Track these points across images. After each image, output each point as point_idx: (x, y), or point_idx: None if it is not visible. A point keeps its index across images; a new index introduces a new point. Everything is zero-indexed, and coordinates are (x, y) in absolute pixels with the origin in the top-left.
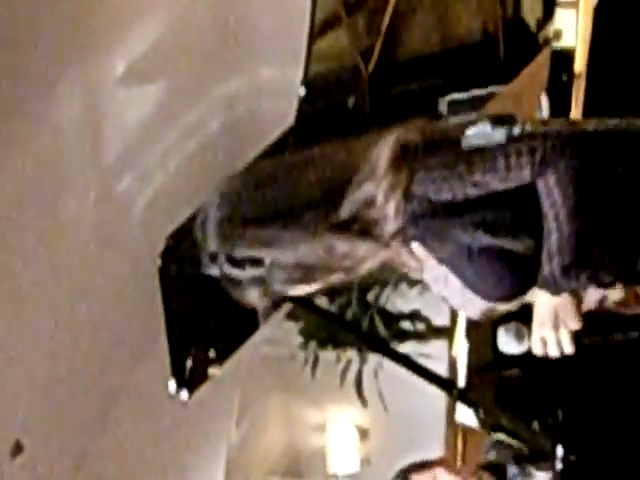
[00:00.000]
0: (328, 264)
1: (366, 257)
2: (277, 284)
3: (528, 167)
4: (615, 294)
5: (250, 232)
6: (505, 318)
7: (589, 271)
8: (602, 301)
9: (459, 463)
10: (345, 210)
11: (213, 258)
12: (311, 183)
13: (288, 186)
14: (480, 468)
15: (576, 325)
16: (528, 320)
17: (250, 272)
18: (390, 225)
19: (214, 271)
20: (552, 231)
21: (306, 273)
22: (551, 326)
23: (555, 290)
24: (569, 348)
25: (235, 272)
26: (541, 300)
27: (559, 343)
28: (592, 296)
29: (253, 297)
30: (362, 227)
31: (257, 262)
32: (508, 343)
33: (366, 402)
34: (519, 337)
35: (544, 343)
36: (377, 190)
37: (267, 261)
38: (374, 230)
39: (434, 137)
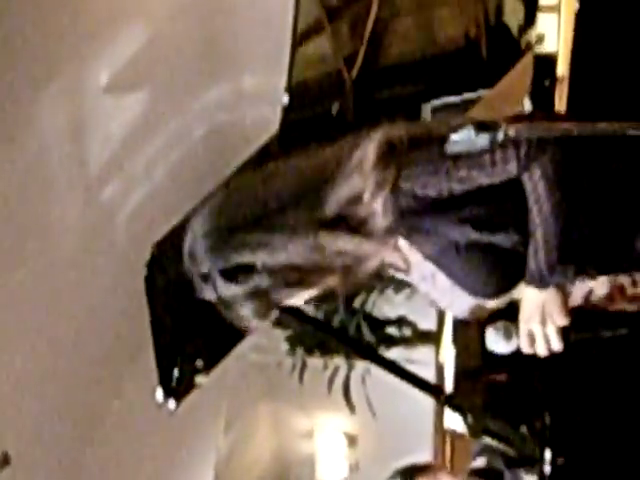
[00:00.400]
0: (321, 264)
1: (362, 256)
2: (274, 293)
3: (514, 161)
4: (601, 289)
5: (237, 238)
6: (493, 317)
7: (575, 265)
8: (588, 296)
9: (449, 468)
10: (331, 207)
11: (206, 279)
12: (293, 183)
13: (271, 189)
14: (474, 473)
15: (563, 320)
16: (516, 319)
17: (245, 285)
18: (380, 222)
19: (209, 294)
20: (537, 226)
21: (302, 276)
22: (538, 321)
23: (542, 285)
24: (557, 344)
25: (230, 289)
26: (528, 295)
27: (546, 339)
28: (578, 291)
29: (250, 318)
30: (350, 225)
31: (249, 269)
32: (497, 342)
33: (354, 408)
34: (507, 336)
35: (532, 339)
36: (364, 186)
37: (259, 265)
38: (364, 228)
39: (419, 134)
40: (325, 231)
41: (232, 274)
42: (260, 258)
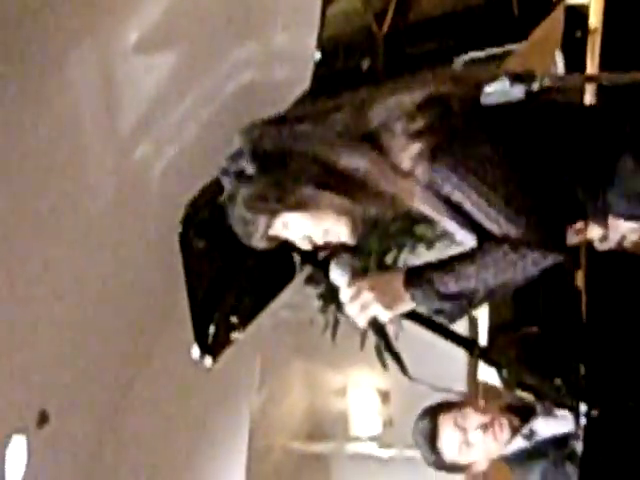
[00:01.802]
0: (350, 174)
1: (377, 180)
2: (294, 189)
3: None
4: (633, 234)
5: (279, 129)
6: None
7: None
8: (621, 241)
9: (484, 403)
10: (375, 119)
11: (236, 156)
12: (342, 98)
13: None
14: (506, 408)
15: (382, 316)
16: None
17: (268, 172)
18: (404, 161)
19: (229, 180)
20: (475, 274)
21: (326, 177)
22: (364, 304)
23: (424, 301)
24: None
25: (254, 170)
26: (388, 281)
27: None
28: (614, 235)
29: (258, 220)
30: (377, 146)
31: (279, 161)
32: (338, 275)
33: (387, 365)
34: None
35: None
36: (403, 114)
37: (289, 161)
38: (389, 156)
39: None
40: (361, 143)
41: (262, 156)
42: (292, 148)
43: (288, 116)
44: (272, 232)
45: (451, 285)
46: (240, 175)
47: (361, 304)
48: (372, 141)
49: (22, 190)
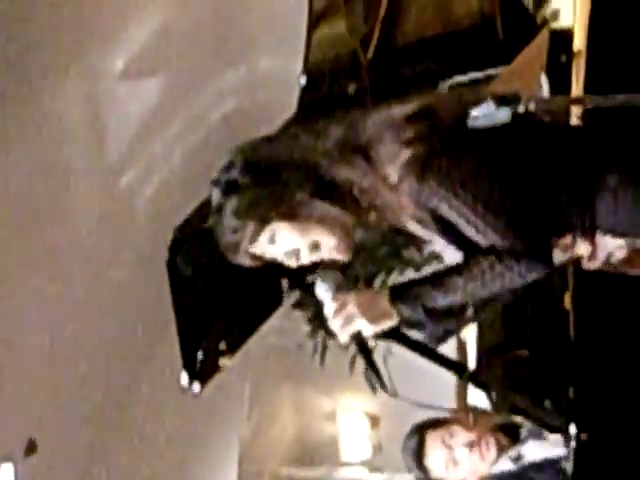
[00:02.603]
0: (342, 185)
1: (367, 191)
2: (286, 197)
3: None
4: (620, 252)
5: (272, 142)
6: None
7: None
8: (608, 258)
9: (472, 422)
10: (367, 131)
11: (229, 166)
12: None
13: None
14: (494, 428)
15: (366, 330)
16: None
17: (259, 180)
18: (393, 173)
19: (218, 192)
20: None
21: (327, 188)
22: (347, 318)
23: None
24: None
25: (247, 180)
26: (362, 296)
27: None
28: (600, 253)
29: (247, 232)
30: (368, 159)
31: (271, 172)
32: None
33: (376, 389)
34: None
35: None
36: (391, 131)
37: (282, 170)
38: (379, 169)
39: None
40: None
41: (254, 167)
42: (285, 158)
43: (281, 133)
44: (257, 248)
45: (439, 298)
46: (231, 185)
47: (345, 317)
48: (363, 153)
49: (9, 215)
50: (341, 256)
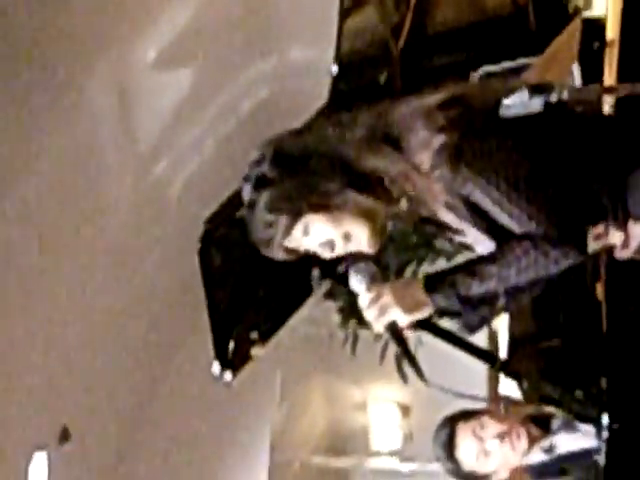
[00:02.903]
0: (374, 176)
1: (397, 177)
2: (319, 188)
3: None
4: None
5: (302, 135)
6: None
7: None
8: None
9: (503, 412)
10: (397, 120)
11: (259, 161)
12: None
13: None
14: (526, 418)
15: (401, 320)
16: None
17: (290, 171)
18: (425, 160)
19: (249, 187)
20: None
21: (359, 178)
22: (382, 308)
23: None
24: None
25: (277, 174)
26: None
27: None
28: (634, 242)
29: (279, 223)
30: (403, 148)
31: (303, 162)
32: (357, 283)
33: (407, 378)
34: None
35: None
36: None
37: (312, 162)
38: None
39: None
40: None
41: (284, 159)
42: (315, 150)
43: (311, 123)
44: (291, 242)
45: (474, 286)
46: (262, 180)
47: (380, 307)
48: (394, 143)
49: (41, 206)
50: (370, 249)
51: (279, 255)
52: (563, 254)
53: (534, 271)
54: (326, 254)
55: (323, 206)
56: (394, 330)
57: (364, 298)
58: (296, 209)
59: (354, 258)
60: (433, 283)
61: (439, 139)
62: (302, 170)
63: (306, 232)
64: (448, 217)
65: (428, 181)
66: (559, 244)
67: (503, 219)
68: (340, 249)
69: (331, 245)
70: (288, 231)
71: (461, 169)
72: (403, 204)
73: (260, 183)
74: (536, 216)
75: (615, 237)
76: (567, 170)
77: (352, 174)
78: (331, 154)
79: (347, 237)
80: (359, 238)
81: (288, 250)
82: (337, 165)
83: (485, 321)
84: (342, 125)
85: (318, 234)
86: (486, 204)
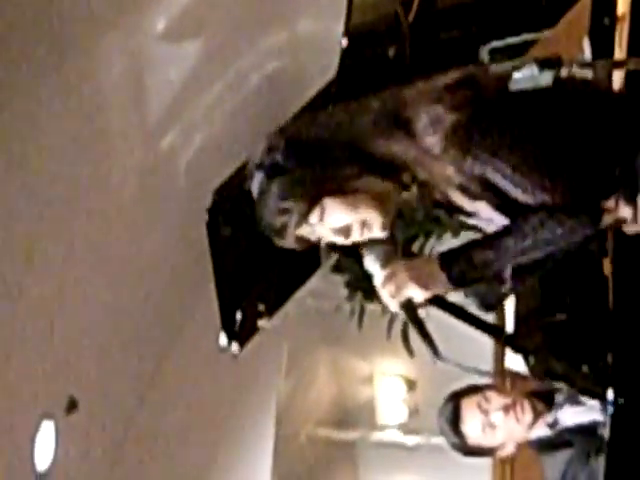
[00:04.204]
0: (388, 160)
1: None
2: (343, 168)
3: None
4: None
5: (314, 122)
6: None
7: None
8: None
9: (509, 386)
10: (408, 103)
11: (271, 149)
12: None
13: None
14: (529, 394)
15: (417, 297)
16: None
17: (302, 161)
18: (436, 143)
19: (261, 176)
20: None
21: (373, 162)
22: (398, 285)
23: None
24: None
25: (290, 162)
26: (429, 266)
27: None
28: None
29: (292, 213)
30: (415, 132)
31: (316, 149)
32: (372, 263)
33: (413, 353)
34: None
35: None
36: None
37: (325, 149)
38: (421, 138)
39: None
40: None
41: (298, 148)
42: (326, 137)
43: (323, 110)
44: (305, 230)
45: (491, 260)
46: (275, 168)
47: (396, 285)
48: (405, 127)
49: (50, 175)
50: (383, 233)
51: (291, 243)
52: (579, 223)
53: (551, 241)
54: (340, 241)
55: (339, 190)
56: (410, 308)
57: (379, 277)
58: (312, 194)
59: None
60: (449, 259)
61: (448, 121)
62: (315, 157)
63: (322, 218)
64: (461, 199)
65: (440, 164)
66: (575, 213)
67: (517, 194)
68: (356, 236)
69: (347, 231)
70: (304, 217)
71: (471, 149)
72: (414, 190)
73: (274, 171)
74: (550, 187)
75: (625, 211)
76: (578, 143)
77: (366, 159)
78: (344, 141)
79: (364, 224)
80: (373, 225)
81: (300, 239)
82: (351, 151)
83: (502, 298)
84: (353, 111)
85: (335, 220)
86: (499, 181)
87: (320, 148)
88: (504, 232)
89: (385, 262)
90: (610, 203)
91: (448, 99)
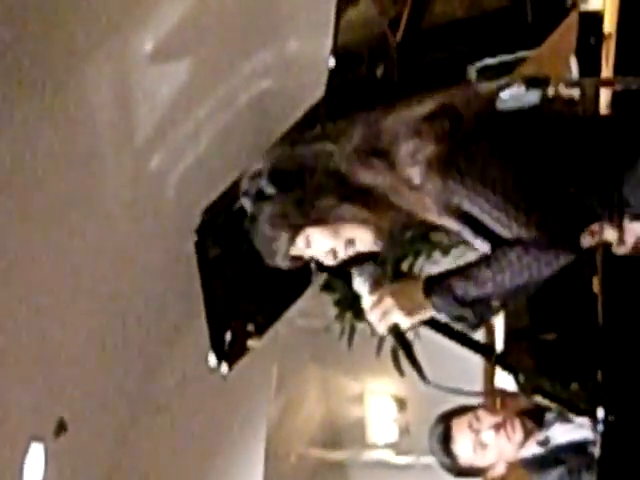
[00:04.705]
0: (367, 189)
1: (392, 191)
2: (315, 205)
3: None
4: None
5: (297, 149)
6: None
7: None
8: (637, 244)
9: (499, 405)
10: (387, 133)
11: (255, 176)
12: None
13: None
14: (520, 411)
15: (403, 323)
16: None
17: (287, 192)
18: (415, 175)
19: (250, 201)
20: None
21: (343, 190)
22: (384, 312)
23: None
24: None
25: (274, 189)
26: (412, 291)
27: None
28: (630, 238)
29: (281, 238)
30: (389, 160)
31: (297, 179)
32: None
33: (403, 372)
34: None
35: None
36: (415, 136)
37: (307, 177)
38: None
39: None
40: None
41: (280, 176)
42: (309, 164)
43: (306, 137)
44: (295, 251)
45: (470, 291)
46: (260, 195)
47: (382, 311)
48: (384, 156)
49: (38, 193)
50: (377, 247)
51: (285, 264)
52: (556, 256)
53: (528, 275)
54: (329, 261)
55: (321, 220)
56: (397, 332)
57: (367, 301)
58: (295, 226)
59: (357, 258)
60: (431, 287)
61: (426, 153)
62: (298, 185)
63: (308, 244)
64: (445, 222)
65: (419, 195)
66: (550, 247)
67: (494, 226)
68: (343, 255)
69: (334, 253)
70: (290, 245)
71: (448, 182)
72: (398, 216)
73: (259, 197)
74: (525, 222)
75: (610, 234)
76: (557, 175)
77: (346, 188)
78: (325, 169)
79: (351, 242)
80: (364, 240)
81: (293, 258)
82: (331, 179)
83: (485, 319)
84: (334, 139)
85: (320, 245)
86: (477, 213)
87: (303, 175)
88: (483, 263)
89: (373, 286)
90: (594, 226)
91: (426, 131)
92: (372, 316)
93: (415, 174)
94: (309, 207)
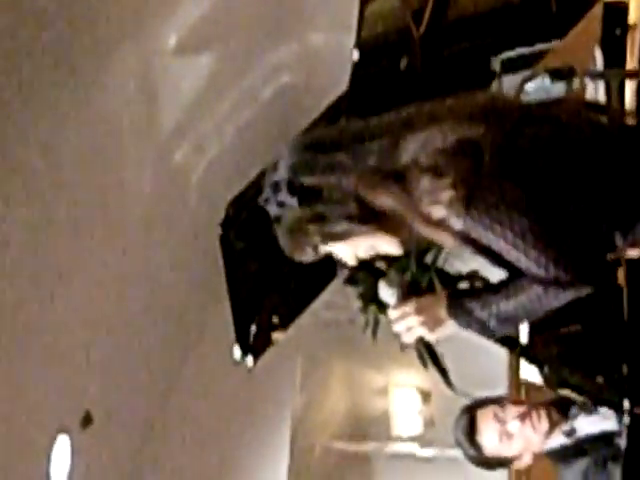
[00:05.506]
0: (386, 212)
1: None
2: (331, 223)
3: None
4: None
5: (316, 158)
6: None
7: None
8: None
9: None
10: (405, 154)
11: (275, 186)
12: (378, 123)
13: (357, 124)
14: (546, 403)
15: (429, 336)
16: None
17: (306, 206)
18: (435, 212)
19: (272, 208)
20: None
21: (360, 211)
22: (418, 322)
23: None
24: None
25: (292, 202)
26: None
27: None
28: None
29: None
30: (411, 189)
31: (315, 193)
32: (387, 293)
33: (427, 365)
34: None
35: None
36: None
37: (325, 188)
38: (419, 201)
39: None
40: (389, 180)
41: (300, 190)
42: (328, 180)
43: (326, 140)
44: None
45: (490, 320)
46: (281, 205)
47: (406, 326)
48: (402, 180)
49: (64, 190)
50: (397, 251)
51: (308, 259)
52: (576, 292)
53: (549, 308)
54: (352, 262)
55: (338, 237)
56: (423, 342)
57: (392, 314)
58: (315, 243)
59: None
60: (454, 307)
61: (447, 195)
62: (318, 201)
63: (330, 252)
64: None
65: (437, 229)
66: (570, 286)
67: (512, 260)
68: (366, 256)
69: (356, 257)
70: (312, 252)
71: (467, 221)
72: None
73: (280, 207)
74: (544, 263)
75: (633, 252)
76: (577, 212)
77: (367, 209)
78: (345, 187)
79: (372, 248)
80: (384, 247)
81: (317, 253)
82: (351, 199)
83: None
84: (356, 153)
85: (340, 251)
86: (495, 248)
87: (321, 191)
88: (503, 295)
89: (399, 299)
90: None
91: (447, 170)
92: (397, 328)
93: (434, 211)
94: (329, 226)
